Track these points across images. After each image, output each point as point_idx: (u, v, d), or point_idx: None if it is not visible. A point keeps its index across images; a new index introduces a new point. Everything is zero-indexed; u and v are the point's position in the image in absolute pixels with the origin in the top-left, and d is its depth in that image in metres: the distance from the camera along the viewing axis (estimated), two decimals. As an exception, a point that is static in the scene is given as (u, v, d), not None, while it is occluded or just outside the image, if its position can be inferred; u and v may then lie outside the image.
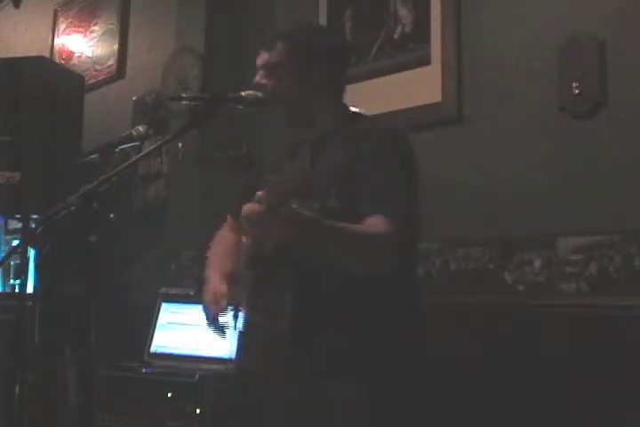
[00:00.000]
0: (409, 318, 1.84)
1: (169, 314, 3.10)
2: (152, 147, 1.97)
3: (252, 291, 1.85)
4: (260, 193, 1.57)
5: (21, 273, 2.95)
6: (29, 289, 3.24)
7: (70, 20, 4.74)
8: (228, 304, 1.88)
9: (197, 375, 2.67)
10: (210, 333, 1.94)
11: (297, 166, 1.60)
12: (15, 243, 4.19)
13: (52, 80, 3.35)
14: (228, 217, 2.14)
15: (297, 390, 1.82)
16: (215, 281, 1.94)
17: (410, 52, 2.90)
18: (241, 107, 1.88)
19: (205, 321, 1.92)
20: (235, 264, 1.95)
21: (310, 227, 1.64)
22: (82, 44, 4.60)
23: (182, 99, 2.29)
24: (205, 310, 1.92)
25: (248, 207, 1.68)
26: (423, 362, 1.85)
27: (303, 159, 1.64)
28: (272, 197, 1.56)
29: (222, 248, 2.09)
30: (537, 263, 2.43)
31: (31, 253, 3.10)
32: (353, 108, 1.99)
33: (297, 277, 1.76)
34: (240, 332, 1.90)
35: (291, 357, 1.82)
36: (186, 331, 3.02)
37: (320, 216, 1.66)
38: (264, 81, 1.89)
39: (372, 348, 1.76)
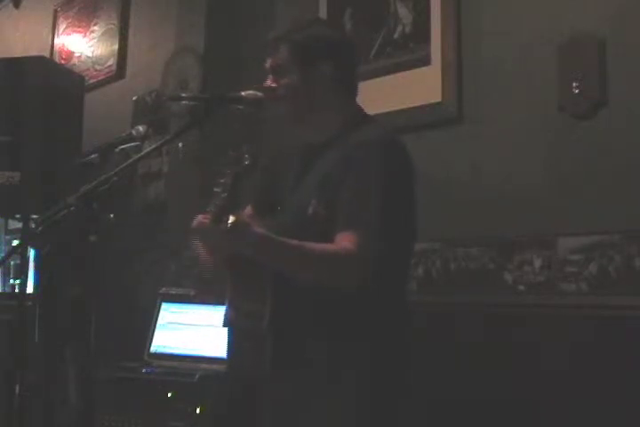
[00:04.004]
0: (391, 322, 1.82)
1: (169, 314, 3.10)
2: (152, 147, 1.97)
3: (233, 291, 1.85)
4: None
5: (21, 273, 2.95)
6: (29, 289, 3.24)
7: (70, 20, 4.74)
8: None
9: (197, 375, 2.68)
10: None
11: (225, 181, 1.62)
12: (15, 243, 4.20)
13: (52, 80, 3.34)
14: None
15: (286, 391, 1.83)
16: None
17: (410, 52, 2.90)
18: (241, 107, 1.89)
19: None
20: None
21: (258, 243, 1.66)
22: (82, 44, 4.60)
23: (182, 99, 2.29)
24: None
25: (197, 219, 1.71)
26: (409, 364, 1.84)
27: (230, 175, 1.64)
28: (216, 209, 1.59)
29: None
30: (537, 263, 2.43)
31: (31, 253, 3.11)
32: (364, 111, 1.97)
33: (277, 279, 1.76)
34: (229, 332, 1.91)
35: (275, 358, 1.84)
36: (186, 331, 3.02)
37: (272, 233, 1.68)
38: (273, 84, 1.90)
39: (353, 349, 1.76)
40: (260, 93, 1.88)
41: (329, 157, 1.84)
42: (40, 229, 1.92)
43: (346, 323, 1.76)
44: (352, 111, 1.94)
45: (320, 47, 1.89)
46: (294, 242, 1.70)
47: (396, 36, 2.96)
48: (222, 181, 1.61)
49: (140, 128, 2.20)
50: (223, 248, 1.74)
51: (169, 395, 2.67)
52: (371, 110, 2.00)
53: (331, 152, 1.84)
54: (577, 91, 2.38)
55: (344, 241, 1.71)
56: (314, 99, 1.88)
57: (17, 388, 2.72)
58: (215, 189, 1.61)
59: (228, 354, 2.62)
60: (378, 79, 2.95)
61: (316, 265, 1.73)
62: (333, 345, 1.76)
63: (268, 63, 1.91)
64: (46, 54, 4.56)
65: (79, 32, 4.65)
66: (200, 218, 1.71)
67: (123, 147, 2.19)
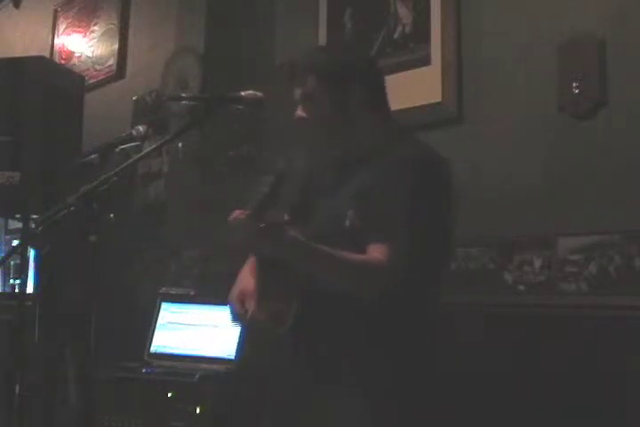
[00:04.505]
0: (417, 335, 1.82)
1: (169, 314, 3.10)
2: (152, 147, 1.98)
3: (260, 290, 1.85)
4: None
5: (21, 273, 2.96)
6: (29, 289, 3.24)
7: (70, 20, 4.74)
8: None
9: (197, 375, 2.67)
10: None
11: (264, 184, 1.64)
12: (15, 243, 4.20)
13: (52, 80, 3.34)
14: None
15: (298, 397, 1.82)
16: (246, 280, 1.93)
17: (410, 52, 2.90)
18: (241, 107, 1.89)
19: (230, 316, 1.91)
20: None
21: (292, 245, 1.67)
22: (82, 44, 4.60)
23: (182, 98, 2.30)
24: (231, 306, 1.91)
25: (235, 214, 1.71)
26: (432, 377, 1.84)
27: (269, 179, 1.67)
28: (255, 205, 1.60)
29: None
30: (537, 263, 2.43)
31: (31, 253, 3.12)
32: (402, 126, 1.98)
33: (304, 284, 1.76)
34: (244, 333, 1.90)
35: (293, 363, 1.83)
36: (186, 331, 3.02)
37: (308, 239, 1.69)
38: (303, 114, 1.90)
39: (375, 362, 1.75)
40: (259, 93, 1.88)
41: (366, 172, 1.84)
42: (40, 229, 1.92)
43: (364, 331, 1.75)
44: (389, 127, 1.95)
45: (347, 71, 1.90)
46: (327, 248, 1.71)
47: (396, 36, 2.96)
48: (266, 178, 1.63)
49: (140, 128, 2.20)
50: (255, 246, 1.74)
51: (169, 395, 2.67)
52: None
53: (368, 166, 1.84)
54: (577, 91, 2.38)
55: (375, 252, 1.72)
56: (346, 122, 1.89)
57: (17, 388, 2.72)
58: (258, 187, 1.62)
59: (238, 352, 2.62)
60: (378, 79, 2.95)
61: (345, 273, 1.74)
62: (359, 359, 1.75)
63: (296, 94, 1.91)
64: (46, 54, 4.56)
65: (79, 32, 4.65)
66: (237, 213, 1.70)
67: (123, 147, 2.19)
